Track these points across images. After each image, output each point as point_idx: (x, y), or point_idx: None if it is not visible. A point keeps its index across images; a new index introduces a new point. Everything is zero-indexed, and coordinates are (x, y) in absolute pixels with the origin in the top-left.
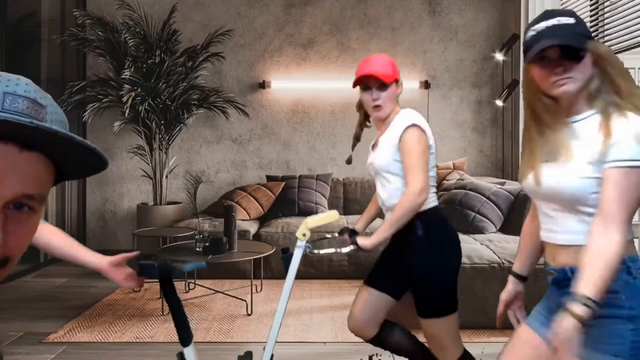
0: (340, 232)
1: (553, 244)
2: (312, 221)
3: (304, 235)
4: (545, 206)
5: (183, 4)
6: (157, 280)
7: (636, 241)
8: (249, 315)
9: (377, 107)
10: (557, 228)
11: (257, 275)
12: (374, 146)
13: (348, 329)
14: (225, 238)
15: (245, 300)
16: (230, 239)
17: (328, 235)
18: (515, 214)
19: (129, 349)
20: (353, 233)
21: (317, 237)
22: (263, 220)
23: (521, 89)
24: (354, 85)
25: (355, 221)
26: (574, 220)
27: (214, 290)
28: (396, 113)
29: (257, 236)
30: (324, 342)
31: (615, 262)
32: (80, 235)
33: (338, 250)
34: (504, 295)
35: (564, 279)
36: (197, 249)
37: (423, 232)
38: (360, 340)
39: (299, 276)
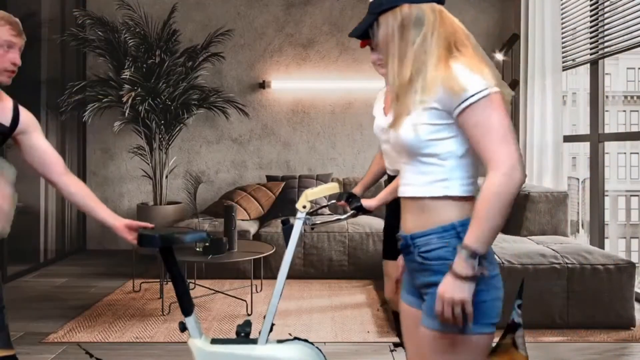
0: (338, 198)
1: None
2: (312, 193)
3: (304, 207)
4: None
5: (183, 4)
6: (158, 250)
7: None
8: (249, 315)
9: (379, 65)
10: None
11: (257, 275)
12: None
13: (387, 298)
14: (225, 238)
15: (245, 300)
16: (230, 239)
17: (325, 207)
18: (515, 214)
19: (129, 349)
20: (351, 197)
21: (312, 209)
22: (263, 220)
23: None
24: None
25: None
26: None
27: (214, 290)
28: None
29: (257, 236)
30: (324, 342)
31: (487, 205)
32: (81, 235)
33: (338, 217)
34: None
35: (406, 246)
36: (197, 249)
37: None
38: (361, 340)
39: (299, 276)
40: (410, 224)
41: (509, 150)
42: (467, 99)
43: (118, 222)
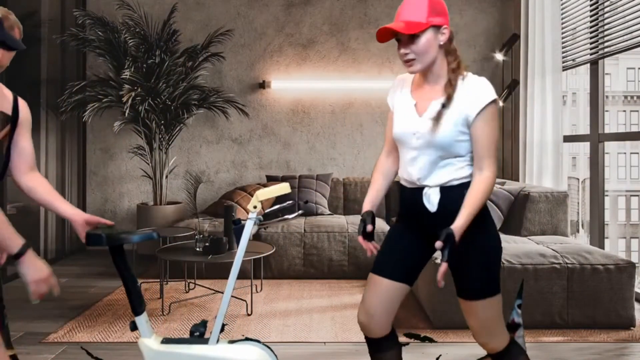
0: (362, 220)
1: None
2: (262, 193)
3: (255, 207)
4: None
5: (183, 4)
6: (107, 248)
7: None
8: (249, 315)
9: (407, 62)
10: None
11: (257, 275)
12: (415, 106)
13: (360, 325)
14: (225, 238)
15: (245, 300)
16: (230, 239)
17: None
18: (515, 214)
19: (129, 349)
20: (370, 216)
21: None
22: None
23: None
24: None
25: (356, 221)
26: None
27: (214, 290)
28: (453, 72)
29: (257, 236)
30: (324, 342)
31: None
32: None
33: (287, 216)
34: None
35: None
36: (197, 249)
37: (485, 208)
38: (361, 340)
39: (299, 276)
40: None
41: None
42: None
43: (77, 216)
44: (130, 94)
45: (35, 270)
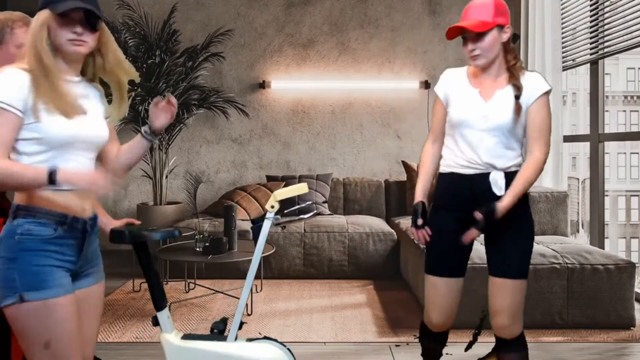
0: (418, 214)
1: None
2: (280, 193)
3: (272, 207)
4: None
5: (183, 4)
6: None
7: (636, 241)
8: (249, 315)
9: (474, 57)
10: None
11: (257, 275)
12: (480, 93)
13: (433, 325)
14: (225, 238)
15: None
16: (230, 239)
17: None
18: None
19: (129, 349)
20: (424, 210)
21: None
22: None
23: None
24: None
25: (355, 220)
26: None
27: (214, 290)
28: (515, 68)
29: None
30: (324, 342)
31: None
32: None
33: (302, 216)
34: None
35: None
36: (197, 249)
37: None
38: (361, 340)
39: (299, 276)
40: None
41: None
42: None
43: (109, 222)
44: (130, 94)
45: (77, 179)
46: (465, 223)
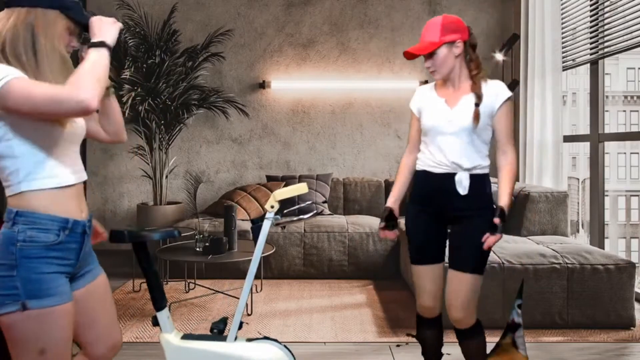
0: (386, 219)
1: None
2: (279, 193)
3: (272, 207)
4: None
5: (183, 4)
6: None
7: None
8: (249, 315)
9: (431, 72)
10: None
11: (257, 275)
12: (446, 102)
13: (425, 309)
14: (225, 238)
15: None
16: (230, 239)
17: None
18: (515, 213)
19: (129, 349)
20: (390, 216)
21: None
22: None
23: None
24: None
25: (360, 221)
26: None
27: (214, 290)
28: (477, 77)
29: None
30: (324, 342)
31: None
32: None
33: (302, 216)
34: None
35: None
36: (197, 249)
37: (490, 190)
38: (360, 340)
39: (299, 276)
40: None
41: None
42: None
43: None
44: (130, 94)
45: (109, 30)
46: (437, 217)
